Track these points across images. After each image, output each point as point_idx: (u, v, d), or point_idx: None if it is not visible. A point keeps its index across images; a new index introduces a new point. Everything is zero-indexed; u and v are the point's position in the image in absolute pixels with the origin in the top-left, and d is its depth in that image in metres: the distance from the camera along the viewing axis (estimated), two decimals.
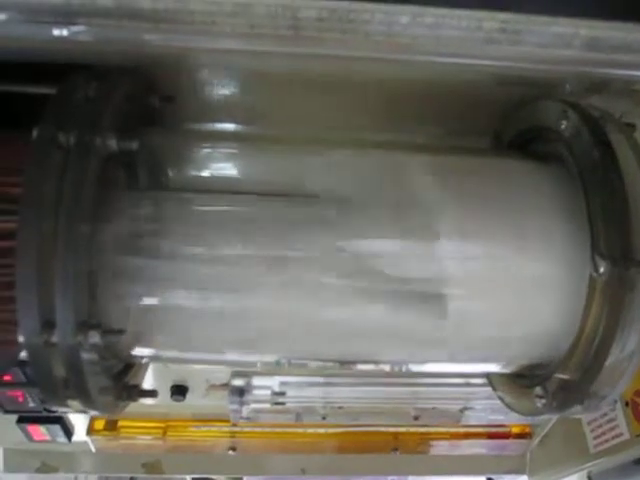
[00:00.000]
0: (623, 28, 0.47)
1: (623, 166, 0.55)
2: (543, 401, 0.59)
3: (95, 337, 0.48)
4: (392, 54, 0.48)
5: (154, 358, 0.70)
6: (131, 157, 0.58)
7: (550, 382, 0.59)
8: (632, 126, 0.61)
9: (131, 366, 0.64)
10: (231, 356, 0.68)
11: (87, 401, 0.53)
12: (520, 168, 0.64)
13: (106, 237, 0.54)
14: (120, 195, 0.58)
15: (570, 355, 0.57)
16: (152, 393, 0.65)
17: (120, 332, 0.52)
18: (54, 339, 0.47)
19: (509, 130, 0.69)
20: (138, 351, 0.62)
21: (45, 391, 0.51)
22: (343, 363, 0.73)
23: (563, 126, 0.59)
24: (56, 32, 0.51)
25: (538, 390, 0.60)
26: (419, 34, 0.45)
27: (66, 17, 0.51)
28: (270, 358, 0.68)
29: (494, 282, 0.58)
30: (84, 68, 0.56)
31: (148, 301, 0.60)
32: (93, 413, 0.57)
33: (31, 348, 0.48)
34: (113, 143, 0.50)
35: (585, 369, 0.56)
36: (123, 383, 0.62)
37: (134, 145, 0.51)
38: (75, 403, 0.54)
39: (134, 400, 0.63)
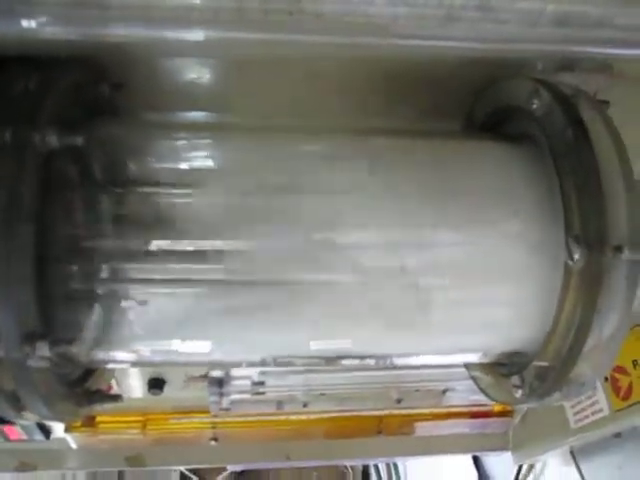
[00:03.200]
0: (593, 2, 0.44)
1: (597, 145, 0.53)
2: (520, 391, 0.58)
3: (43, 348, 0.45)
4: (345, 36, 0.44)
5: (121, 363, 0.68)
6: (81, 152, 0.54)
7: (528, 370, 0.58)
8: (606, 103, 0.59)
9: (93, 370, 0.61)
10: (210, 357, 0.65)
11: (41, 412, 0.50)
12: (491, 150, 0.61)
13: (55, 239, 0.51)
14: (71, 193, 0.55)
15: (548, 342, 0.56)
16: (116, 397, 0.63)
17: (72, 341, 0.49)
18: None
19: (480, 111, 0.67)
20: (101, 356, 0.59)
21: None
22: (328, 360, 0.71)
23: (535, 105, 0.56)
24: (24, 23, 0.47)
25: (515, 379, 0.58)
26: (374, 13, 0.41)
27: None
28: (254, 357, 0.66)
29: (466, 270, 0.56)
30: (23, 60, 0.52)
31: (108, 304, 0.57)
32: (51, 421, 0.54)
33: None
34: (53, 139, 0.46)
35: (563, 356, 0.54)
36: (84, 388, 0.59)
37: (79, 140, 0.48)
38: (30, 415, 0.51)
39: (97, 405, 0.60)
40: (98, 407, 0.60)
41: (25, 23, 0.48)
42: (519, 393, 0.58)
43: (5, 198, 0.43)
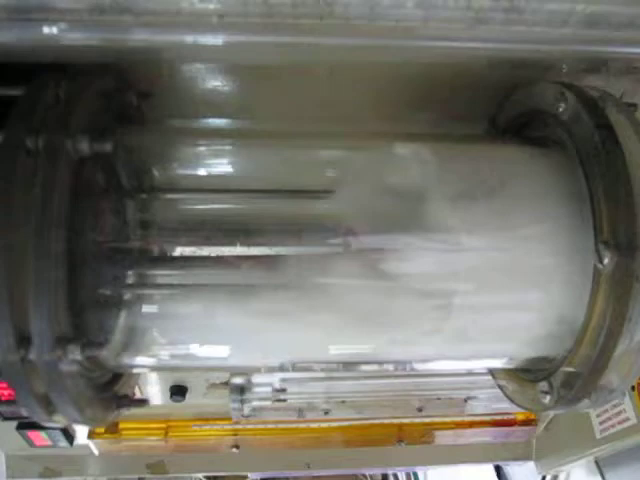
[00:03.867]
0: (624, 2, 0.44)
1: (626, 149, 0.52)
2: (549, 397, 0.57)
3: (75, 351, 0.46)
4: (375, 40, 0.44)
5: (147, 367, 0.68)
6: (109, 159, 0.55)
7: (555, 376, 0.57)
8: (634, 106, 0.58)
9: (120, 375, 0.62)
10: (230, 362, 0.66)
11: (71, 415, 0.50)
12: (517, 154, 0.61)
13: (86, 244, 0.52)
14: (100, 199, 0.56)
15: (576, 348, 0.55)
16: (142, 402, 0.63)
17: (102, 344, 0.50)
18: (31, 356, 0.45)
19: (505, 115, 0.66)
20: (127, 361, 0.60)
21: (27, 409, 0.49)
22: (347, 365, 0.71)
23: (561, 109, 0.56)
24: (46, 30, 0.48)
25: (543, 385, 0.58)
26: (403, 16, 0.42)
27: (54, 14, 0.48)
28: (272, 362, 0.66)
29: (494, 275, 0.56)
30: (53, 68, 0.53)
31: (135, 309, 0.58)
32: (81, 425, 0.55)
33: (7, 366, 0.45)
34: (85, 146, 0.47)
35: (592, 362, 0.53)
36: (111, 393, 0.59)
37: (108, 147, 0.48)
38: (60, 418, 0.51)
39: (124, 410, 0.61)
40: (125, 412, 0.61)
41: (46, 30, 0.49)
42: (547, 399, 0.57)
43: (38, 204, 0.44)
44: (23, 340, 0.45)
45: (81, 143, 0.47)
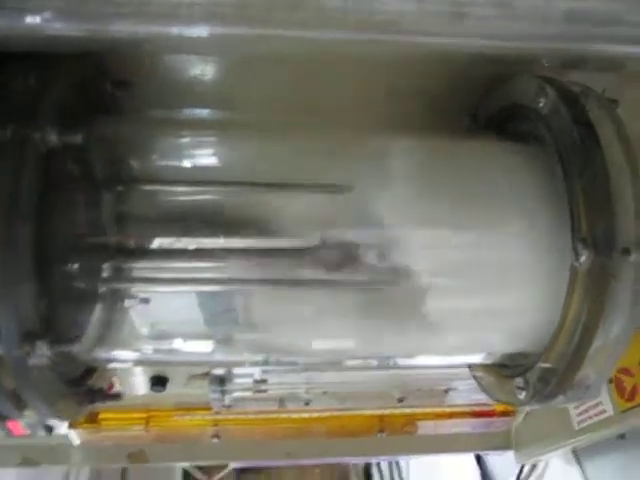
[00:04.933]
0: None
1: (605, 145, 0.52)
2: (524, 393, 0.57)
3: (43, 347, 0.45)
4: (348, 32, 0.43)
5: (122, 362, 0.67)
6: (82, 150, 0.54)
7: (532, 372, 0.57)
8: (615, 102, 0.58)
9: (94, 369, 0.61)
10: (212, 357, 0.65)
11: (42, 410, 0.50)
12: (497, 150, 0.61)
13: (57, 236, 0.51)
14: (72, 191, 0.54)
15: (552, 344, 0.55)
16: (116, 396, 0.62)
17: (72, 340, 0.49)
18: None
19: (485, 110, 0.66)
20: (102, 355, 0.59)
21: None
22: (331, 361, 0.71)
23: (541, 104, 0.56)
24: (29, 20, 0.47)
25: (519, 381, 0.58)
26: (379, 10, 0.41)
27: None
28: (256, 357, 0.66)
29: (471, 270, 0.56)
30: (26, 56, 0.51)
31: (110, 303, 0.57)
32: (52, 420, 0.54)
33: None
34: (54, 137, 0.46)
35: (568, 359, 0.54)
36: (85, 387, 0.58)
37: (78, 138, 0.47)
38: (31, 413, 0.51)
39: (98, 403, 0.60)
40: (100, 405, 0.60)
41: (30, 19, 0.48)
42: (523, 395, 0.57)
43: (4, 196, 0.43)
44: None
45: (50, 134, 0.45)
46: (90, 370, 0.61)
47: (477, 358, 0.65)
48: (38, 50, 0.52)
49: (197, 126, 0.65)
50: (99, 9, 0.48)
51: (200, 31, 0.48)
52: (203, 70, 0.64)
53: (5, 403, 0.48)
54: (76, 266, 0.54)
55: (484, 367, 0.67)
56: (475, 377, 0.70)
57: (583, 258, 0.50)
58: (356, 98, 0.66)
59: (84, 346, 0.54)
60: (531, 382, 0.57)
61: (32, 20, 0.48)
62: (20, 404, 0.49)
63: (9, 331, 0.44)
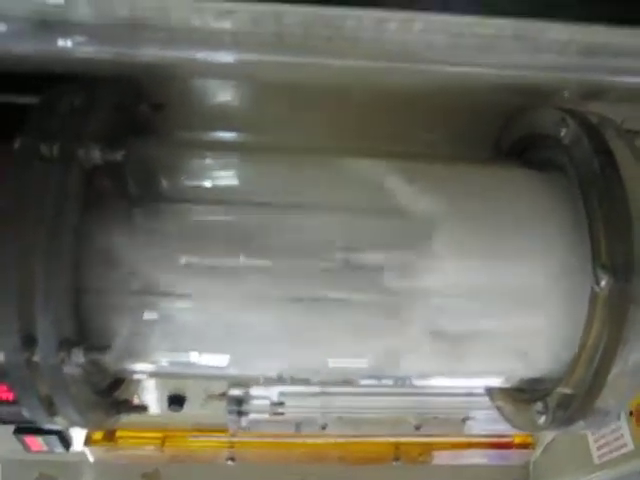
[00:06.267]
0: (621, 34, 0.45)
1: (625, 174, 0.54)
2: (544, 417, 0.57)
3: (78, 355, 0.47)
4: (381, 61, 0.46)
5: (147, 373, 0.69)
6: (119, 168, 0.56)
7: (551, 397, 0.57)
8: (634, 132, 0.59)
9: (121, 381, 0.63)
10: (230, 370, 0.66)
11: (73, 418, 0.51)
12: (519, 177, 0.62)
13: (92, 250, 0.53)
14: (108, 207, 0.57)
15: (572, 370, 0.56)
16: (142, 408, 0.64)
17: (105, 349, 0.51)
18: (36, 357, 0.46)
19: (507, 138, 0.68)
20: (128, 366, 0.61)
21: (29, 409, 0.50)
22: (345, 380, 0.72)
23: (562, 134, 0.57)
24: (60, 43, 0.50)
25: (539, 406, 0.58)
26: (408, 40, 0.43)
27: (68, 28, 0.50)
28: (271, 373, 0.66)
29: (492, 295, 0.57)
30: (70, 78, 0.54)
31: (139, 315, 0.59)
32: (80, 429, 0.56)
33: (12, 366, 0.46)
34: (97, 154, 0.48)
35: (587, 384, 0.54)
36: (112, 398, 0.60)
37: (118, 156, 0.50)
38: (61, 420, 0.52)
39: (124, 415, 0.61)
40: (124, 417, 0.62)
41: (61, 42, 0.51)
42: (542, 420, 0.57)
43: (51, 209, 0.45)
44: (29, 342, 0.46)
45: (93, 151, 0.48)
46: (117, 382, 0.62)
47: (495, 382, 0.66)
48: (73, 72, 0.55)
49: (225, 148, 0.68)
50: (127, 34, 0.51)
51: (230, 57, 0.51)
52: (232, 95, 0.67)
53: (38, 408, 0.50)
54: (108, 278, 0.56)
55: (503, 392, 0.67)
56: (494, 402, 0.70)
57: (603, 283, 0.50)
58: (378, 126, 0.68)
59: (113, 357, 0.56)
60: (550, 407, 0.57)
61: (63, 43, 0.51)
62: (52, 410, 0.51)
63: (47, 338, 0.46)
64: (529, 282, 0.56)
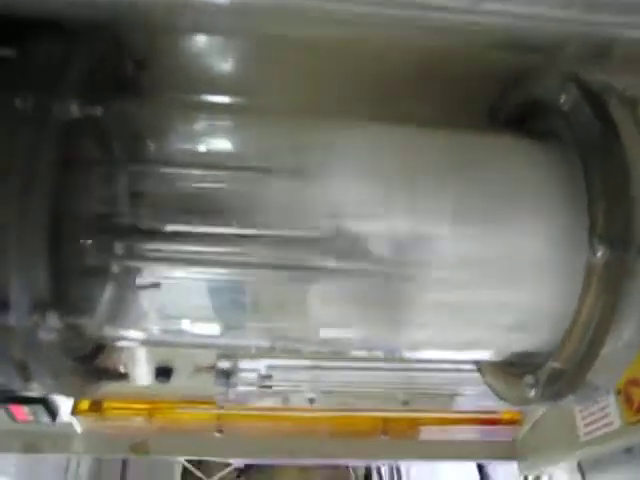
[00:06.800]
0: None
1: (626, 143, 0.52)
2: (534, 390, 0.56)
3: (53, 318, 0.45)
4: (376, 7, 0.43)
5: (130, 340, 0.68)
6: (100, 125, 0.54)
7: (542, 371, 0.56)
8: (636, 100, 0.57)
9: (102, 348, 0.61)
10: (221, 340, 0.65)
11: (47, 383, 0.50)
12: (516, 146, 0.60)
13: (72, 211, 0.51)
14: (89, 167, 0.55)
15: (564, 343, 0.54)
16: (123, 376, 0.63)
17: (84, 312, 0.49)
18: (10, 321, 0.44)
19: (506, 106, 0.65)
20: (110, 333, 0.59)
21: (2, 374, 0.48)
22: (336, 351, 0.71)
23: (562, 100, 0.55)
24: None
25: (529, 379, 0.57)
26: None
27: None
28: (263, 343, 0.65)
29: (485, 265, 0.55)
30: (48, 29, 0.52)
31: (122, 280, 0.57)
32: (57, 395, 0.54)
33: None
34: (74, 108, 0.46)
35: (579, 358, 0.53)
36: (92, 365, 0.58)
37: (98, 111, 0.47)
38: (37, 386, 0.51)
39: (105, 383, 0.60)
40: (105, 385, 0.60)
41: None
42: (532, 393, 0.56)
43: (23, 167, 0.43)
44: (2, 305, 0.44)
45: (71, 105, 0.45)
46: (98, 349, 0.61)
47: (486, 355, 0.65)
48: (55, 18, 0.52)
49: (214, 111, 0.65)
50: None
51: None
52: (221, 55, 0.65)
53: (11, 373, 0.48)
54: (89, 241, 0.55)
55: (493, 365, 0.67)
56: (483, 376, 0.69)
57: (599, 254, 0.49)
58: (374, 89, 0.66)
59: (94, 322, 0.55)
60: (541, 380, 0.56)
61: None
62: (26, 375, 0.49)
63: (21, 300, 0.44)
64: (525, 252, 0.55)
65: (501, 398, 0.65)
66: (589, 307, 0.52)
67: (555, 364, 0.55)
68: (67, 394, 0.53)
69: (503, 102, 0.66)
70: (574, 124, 0.55)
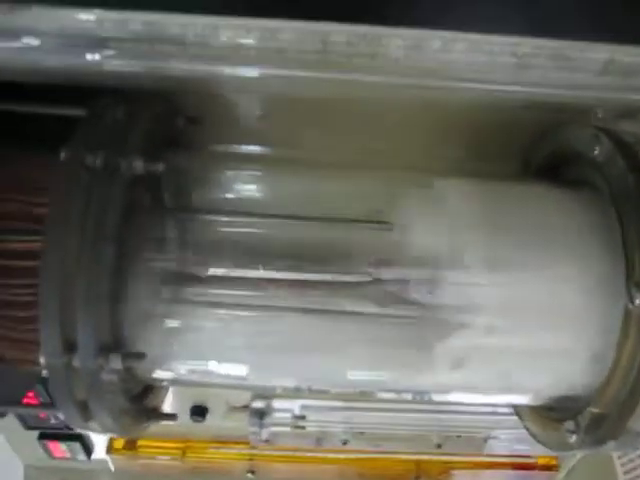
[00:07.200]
0: None
1: None
2: (575, 436, 0.57)
3: (116, 361, 0.48)
4: (421, 80, 0.47)
5: (174, 381, 0.70)
6: (157, 180, 0.58)
7: (582, 416, 0.57)
8: None
9: (151, 388, 0.64)
10: (249, 381, 0.67)
11: (106, 423, 0.52)
12: (550, 194, 0.62)
13: (131, 259, 0.54)
14: (146, 218, 0.58)
15: (604, 388, 0.55)
16: (172, 416, 0.65)
17: (141, 356, 0.52)
18: (75, 362, 0.47)
19: (537, 156, 0.68)
20: (158, 374, 0.62)
21: (65, 413, 0.51)
22: (365, 393, 0.72)
23: (596, 151, 0.57)
24: (89, 57, 0.52)
25: (569, 424, 0.57)
26: (450, 60, 0.44)
27: (98, 42, 0.51)
28: (290, 383, 0.67)
29: (524, 312, 0.57)
30: (112, 91, 0.56)
31: (170, 324, 0.60)
32: (112, 435, 0.57)
33: (52, 370, 0.47)
34: (139, 165, 0.50)
35: (620, 403, 0.54)
36: (142, 405, 0.61)
37: (160, 167, 0.51)
38: (95, 425, 0.53)
39: (153, 422, 0.62)
40: (153, 424, 0.63)
41: (89, 57, 0.53)
42: (573, 439, 0.57)
43: (96, 217, 0.47)
44: (69, 346, 0.47)
45: (136, 162, 0.49)
46: (147, 389, 0.63)
47: (524, 400, 0.65)
48: (104, 85, 0.56)
49: (256, 162, 0.69)
50: (155, 48, 0.52)
51: (254, 72, 0.52)
52: (265, 109, 0.68)
53: (74, 412, 0.51)
54: (143, 288, 0.58)
55: (531, 410, 0.67)
56: (521, 419, 0.70)
57: (637, 301, 0.50)
58: (413, 142, 0.69)
59: (146, 364, 0.57)
60: (582, 426, 0.56)
61: (91, 57, 0.52)
62: (86, 415, 0.52)
63: (87, 344, 0.47)
64: (562, 299, 0.56)
65: (540, 443, 0.65)
66: (629, 352, 0.52)
67: (595, 409, 0.56)
68: (122, 433, 0.56)
69: (534, 152, 0.68)
70: (607, 175, 0.57)
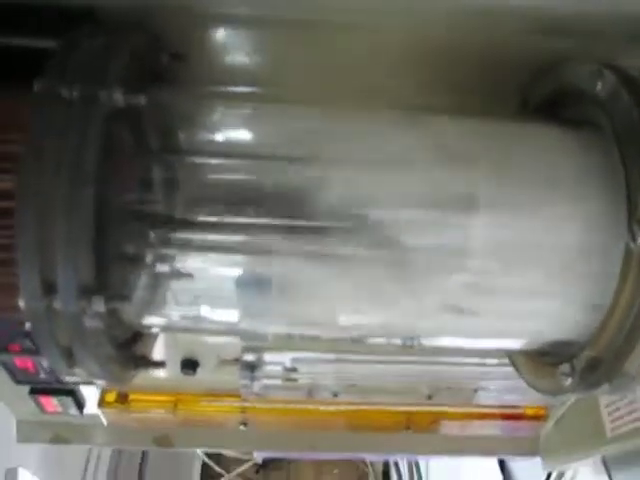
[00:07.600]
0: None
1: None
2: (570, 379, 0.56)
3: (99, 303, 0.46)
4: None
5: (163, 328, 0.69)
6: (139, 115, 0.55)
7: (578, 360, 0.56)
8: None
9: (139, 335, 0.62)
10: (240, 326, 0.66)
11: (92, 370, 0.51)
12: (550, 133, 0.60)
13: (112, 199, 0.52)
14: (128, 156, 0.56)
15: (601, 331, 0.54)
16: (160, 364, 0.64)
17: (125, 298, 0.50)
18: (56, 305, 0.45)
19: (536, 93, 0.65)
20: (146, 320, 0.60)
21: (49, 358, 0.49)
22: (355, 338, 0.71)
23: (599, 87, 0.55)
24: None
25: (565, 367, 0.57)
26: None
27: None
28: (280, 329, 0.66)
29: (522, 252, 0.55)
30: (89, 22, 0.53)
31: (158, 268, 0.58)
32: (99, 383, 0.55)
33: (32, 313, 0.46)
34: (119, 97, 0.47)
35: (617, 346, 0.53)
36: (130, 353, 0.59)
37: (142, 100, 0.48)
38: (81, 372, 0.52)
39: (142, 370, 0.61)
40: (142, 372, 0.61)
41: None
42: (568, 382, 0.56)
43: (70, 157, 0.44)
44: (49, 289, 0.45)
45: (116, 94, 0.47)
46: (135, 336, 0.62)
47: (518, 344, 0.65)
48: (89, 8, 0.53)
49: (246, 102, 0.66)
50: None
51: None
52: (254, 47, 0.65)
53: (57, 357, 0.49)
54: (127, 229, 0.56)
55: (524, 354, 0.66)
56: (514, 365, 0.69)
57: (639, 240, 0.49)
58: (401, 79, 0.66)
59: (132, 309, 0.56)
60: (578, 369, 0.56)
61: None
62: (71, 362, 0.50)
63: (67, 286, 0.45)
64: (560, 239, 0.55)
65: (534, 388, 0.65)
66: (628, 295, 0.51)
67: (591, 352, 0.55)
68: (109, 381, 0.54)
69: (533, 90, 0.66)
70: (611, 111, 0.54)
